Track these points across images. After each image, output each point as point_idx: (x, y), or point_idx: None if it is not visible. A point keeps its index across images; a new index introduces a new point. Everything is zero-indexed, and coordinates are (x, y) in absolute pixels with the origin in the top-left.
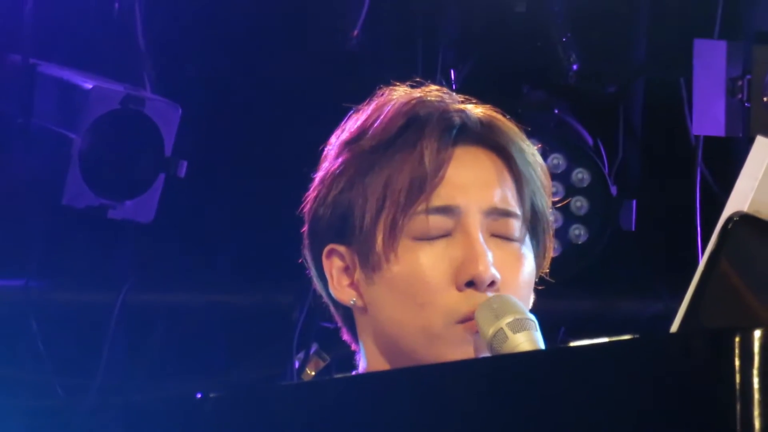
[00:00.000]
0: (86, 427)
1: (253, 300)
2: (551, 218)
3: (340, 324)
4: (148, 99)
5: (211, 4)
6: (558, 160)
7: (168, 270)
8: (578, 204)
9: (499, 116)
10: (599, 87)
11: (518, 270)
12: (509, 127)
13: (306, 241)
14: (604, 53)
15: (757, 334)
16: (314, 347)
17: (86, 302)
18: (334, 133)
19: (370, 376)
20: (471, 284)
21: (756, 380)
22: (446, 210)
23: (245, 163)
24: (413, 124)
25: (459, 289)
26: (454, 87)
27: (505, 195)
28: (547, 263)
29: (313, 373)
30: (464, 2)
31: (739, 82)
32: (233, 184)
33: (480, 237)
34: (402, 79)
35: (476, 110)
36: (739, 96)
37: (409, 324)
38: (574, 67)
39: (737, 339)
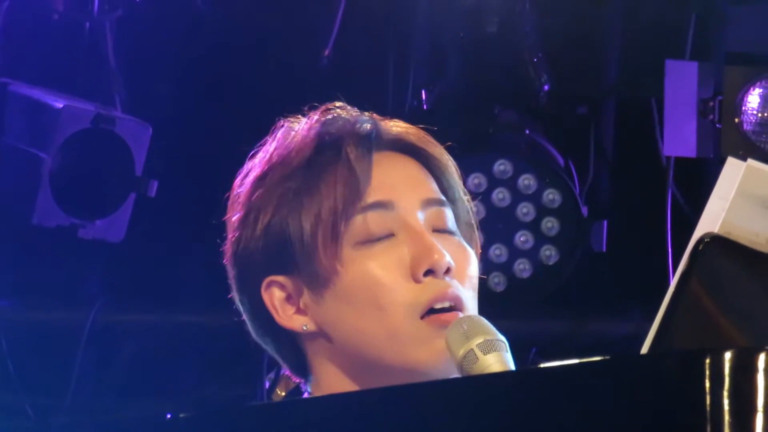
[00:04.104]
0: None
1: (223, 320)
2: (473, 209)
3: (282, 361)
4: (118, 118)
5: (181, 23)
6: (529, 180)
7: (138, 290)
8: (549, 225)
9: (402, 122)
10: (570, 107)
11: (464, 259)
12: (415, 130)
13: (236, 285)
14: (576, 74)
15: (728, 355)
16: (285, 368)
17: (56, 322)
18: (236, 180)
19: (341, 397)
20: (429, 273)
21: (726, 402)
22: (382, 205)
23: (216, 183)
24: (330, 140)
25: (417, 281)
26: (425, 107)
27: (433, 187)
28: (477, 258)
29: (283, 394)
30: (436, 22)
31: (711, 103)
32: (203, 204)
33: (424, 229)
34: (373, 97)
35: (387, 120)
36: (711, 117)
37: (374, 330)
38: (546, 87)
39: (708, 360)
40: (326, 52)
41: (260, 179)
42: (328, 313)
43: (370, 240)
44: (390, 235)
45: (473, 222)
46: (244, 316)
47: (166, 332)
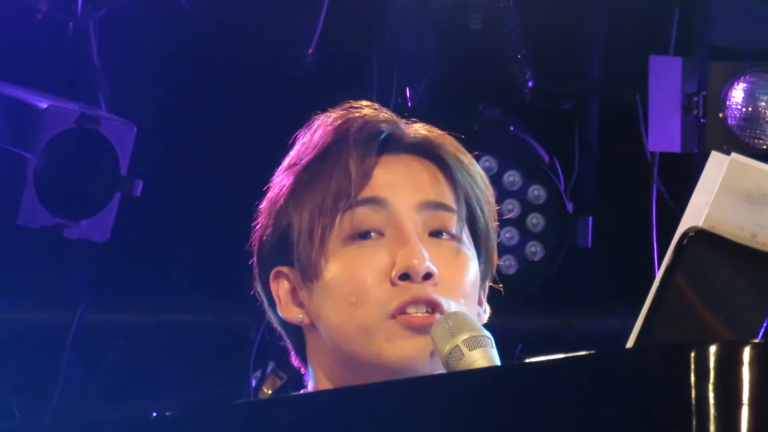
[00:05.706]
0: None
1: (209, 319)
2: (495, 226)
3: (291, 349)
4: (103, 118)
5: (166, 23)
6: (514, 177)
7: (124, 289)
8: (534, 221)
9: (437, 130)
10: (555, 104)
11: (457, 266)
12: (445, 137)
13: (255, 271)
14: (560, 70)
15: (713, 349)
16: (271, 366)
17: (42, 322)
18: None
19: (327, 394)
20: (405, 277)
21: (711, 395)
22: (371, 201)
23: (200, 182)
24: (341, 138)
25: (393, 284)
26: (409, 104)
27: (439, 190)
28: (492, 271)
29: (269, 392)
30: (419, 20)
31: (695, 98)
32: (188, 203)
33: (413, 232)
34: (357, 97)
35: (413, 124)
36: (695, 112)
37: (346, 325)
38: (530, 84)
39: (692, 354)
40: (310, 51)
41: (286, 169)
42: (316, 306)
43: (358, 236)
44: (380, 235)
45: (491, 235)
46: (263, 304)
47: (153, 331)
